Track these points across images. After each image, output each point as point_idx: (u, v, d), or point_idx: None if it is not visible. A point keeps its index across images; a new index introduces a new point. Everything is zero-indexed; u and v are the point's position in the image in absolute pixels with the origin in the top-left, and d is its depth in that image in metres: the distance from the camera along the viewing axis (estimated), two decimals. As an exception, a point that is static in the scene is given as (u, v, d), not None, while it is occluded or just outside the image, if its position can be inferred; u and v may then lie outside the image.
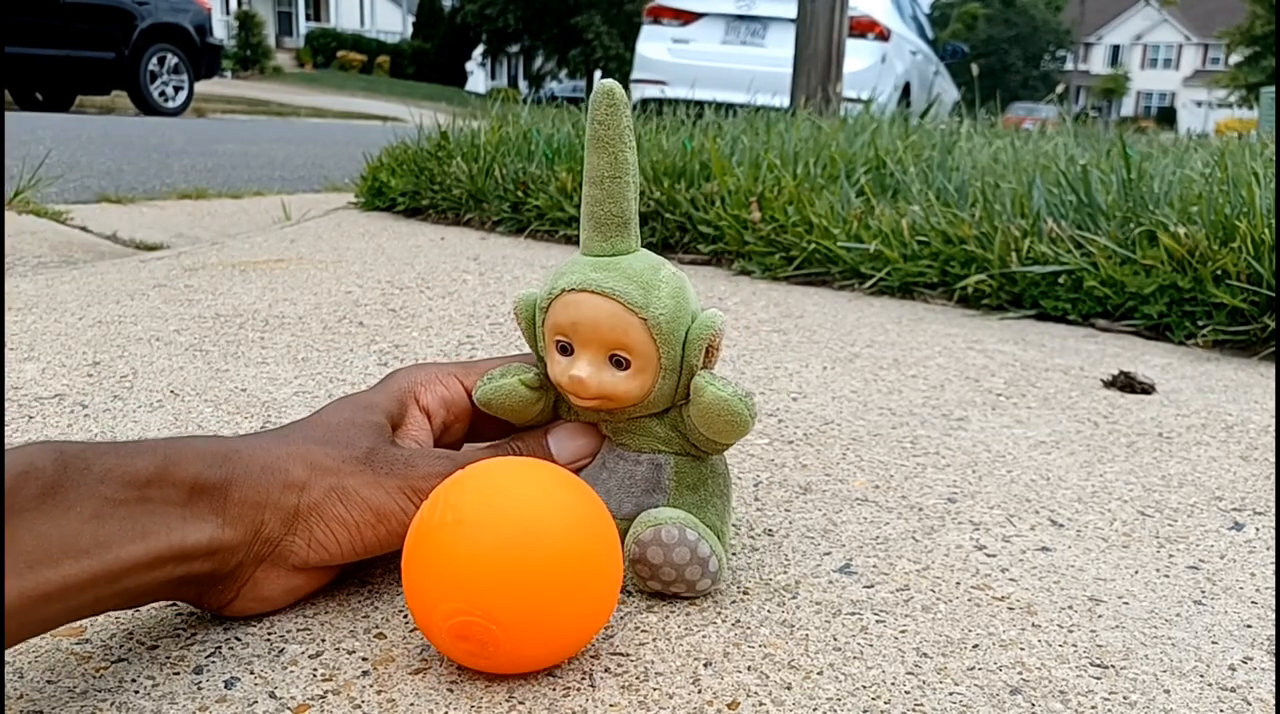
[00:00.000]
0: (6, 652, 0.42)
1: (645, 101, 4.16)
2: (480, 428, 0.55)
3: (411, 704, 0.41)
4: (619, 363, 0.47)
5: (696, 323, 0.48)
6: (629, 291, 0.46)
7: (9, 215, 1.80)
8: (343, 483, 0.45)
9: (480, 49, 27.50)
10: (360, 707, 0.41)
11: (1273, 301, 1.15)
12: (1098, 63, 43.43)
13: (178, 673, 0.43)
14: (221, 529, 0.42)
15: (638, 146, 1.91)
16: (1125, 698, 0.43)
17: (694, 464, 0.51)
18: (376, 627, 0.47)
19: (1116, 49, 43.21)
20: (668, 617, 0.49)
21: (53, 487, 0.38)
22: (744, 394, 0.47)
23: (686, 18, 5.88)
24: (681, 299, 0.48)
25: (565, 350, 0.48)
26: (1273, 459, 0.78)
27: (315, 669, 0.43)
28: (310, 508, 0.45)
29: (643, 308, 0.46)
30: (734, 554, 0.56)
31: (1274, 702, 0.44)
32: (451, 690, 0.42)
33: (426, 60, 25.86)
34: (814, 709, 0.42)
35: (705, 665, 0.45)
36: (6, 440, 0.69)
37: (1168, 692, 0.44)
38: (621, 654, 0.45)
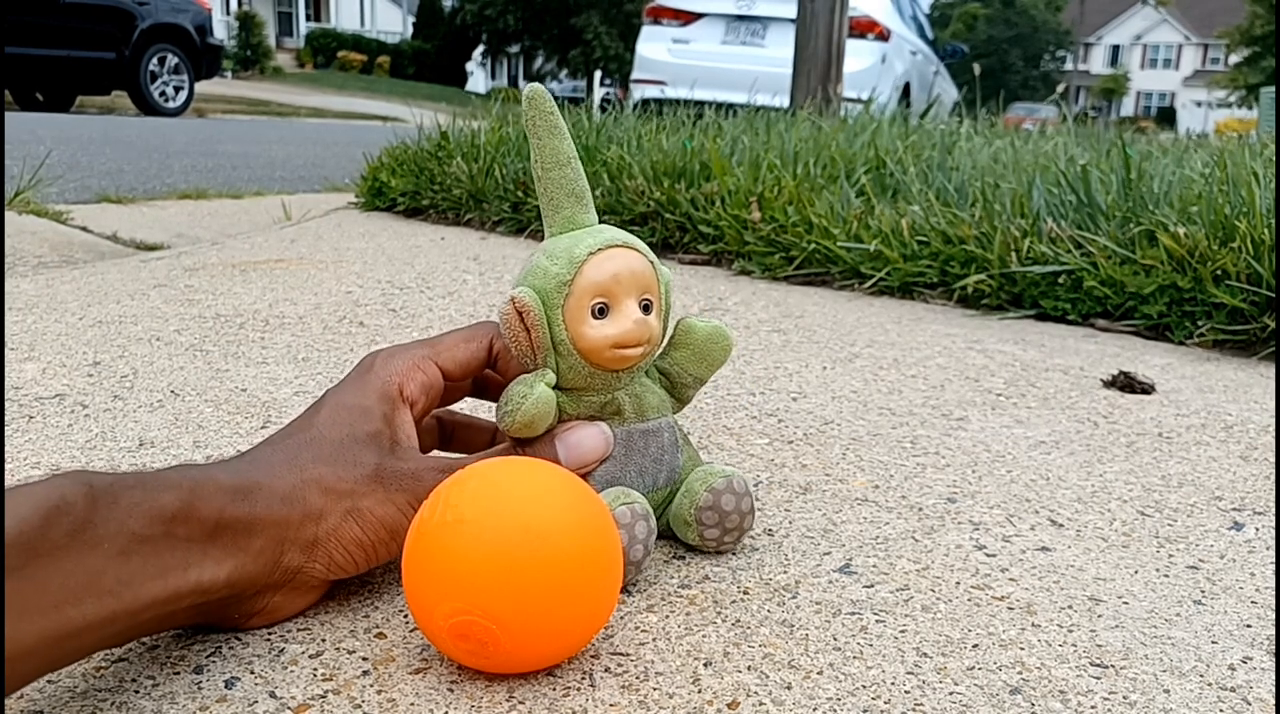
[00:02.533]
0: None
1: (645, 102, 4.16)
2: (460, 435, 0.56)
3: (411, 704, 0.41)
4: (645, 308, 0.50)
5: (662, 271, 0.52)
6: (637, 243, 0.51)
7: (9, 215, 1.80)
8: (357, 505, 0.45)
9: (480, 49, 27.50)
10: (360, 707, 0.41)
11: (1273, 301, 1.15)
12: (1098, 63, 43.42)
13: (178, 673, 0.43)
14: (243, 565, 0.42)
15: (638, 146, 1.92)
16: (1125, 698, 0.43)
17: (677, 420, 0.55)
18: (376, 627, 0.47)
19: (1116, 49, 43.21)
20: (668, 617, 0.49)
21: (83, 523, 0.37)
22: (720, 324, 0.54)
23: (686, 18, 5.88)
24: None
25: (602, 312, 0.49)
26: (1273, 459, 0.78)
27: (315, 669, 0.43)
28: (329, 534, 0.45)
29: (647, 254, 0.51)
30: (734, 554, 0.56)
31: (1274, 702, 0.44)
32: (451, 690, 0.42)
33: (427, 60, 25.86)
34: (814, 709, 0.42)
35: (705, 665, 0.45)
36: (7, 440, 0.69)
37: (1168, 691, 0.44)
38: (621, 654, 0.45)
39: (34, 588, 0.35)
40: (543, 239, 0.52)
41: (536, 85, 0.51)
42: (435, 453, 0.58)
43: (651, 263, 0.50)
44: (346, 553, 0.45)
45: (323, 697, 0.41)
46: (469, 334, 0.53)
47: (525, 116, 0.51)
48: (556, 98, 0.58)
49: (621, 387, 0.52)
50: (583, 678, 0.43)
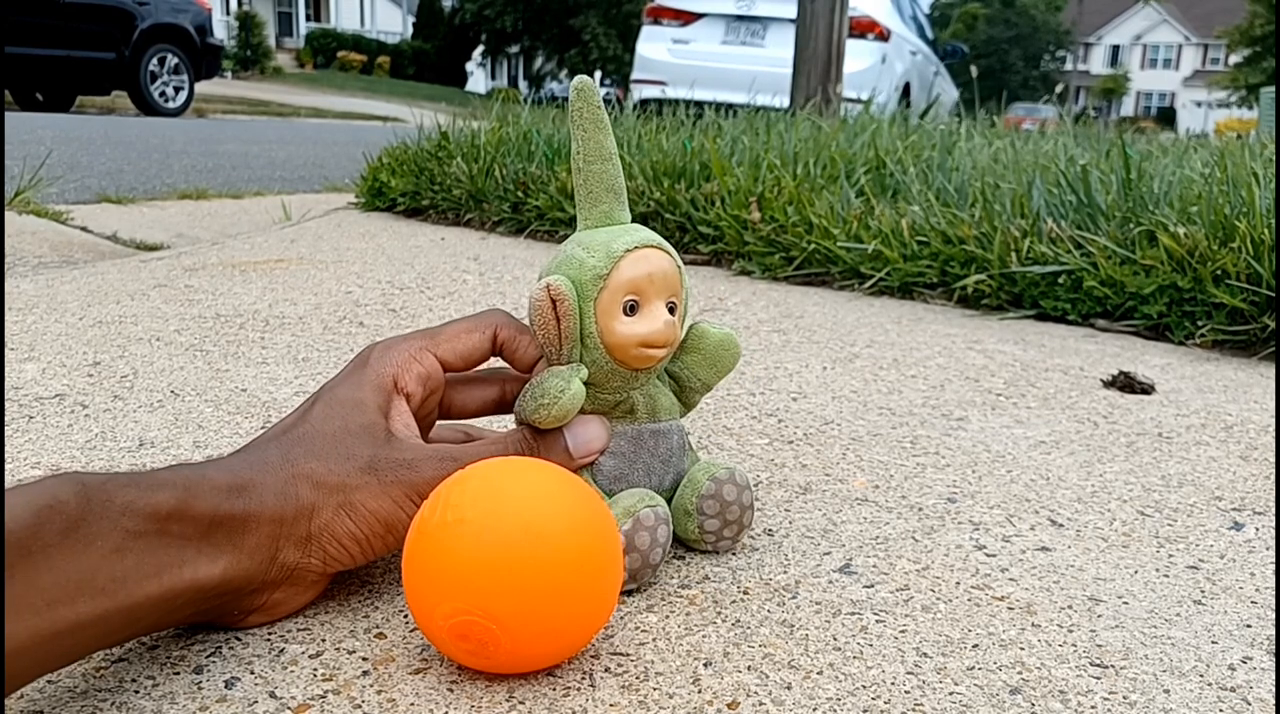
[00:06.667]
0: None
1: (645, 102, 4.16)
2: (454, 398, 0.55)
3: (411, 704, 0.41)
4: (670, 310, 0.51)
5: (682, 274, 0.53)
6: (667, 246, 0.51)
7: (9, 215, 1.81)
8: (350, 499, 0.45)
9: (480, 49, 27.50)
10: (360, 707, 0.41)
11: (1272, 301, 1.15)
12: (1098, 63, 43.43)
13: (178, 673, 0.43)
14: (238, 562, 0.42)
15: (638, 147, 1.92)
16: (1125, 698, 0.43)
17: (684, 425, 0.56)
18: (376, 627, 0.47)
19: (1116, 49, 43.21)
20: (668, 617, 0.49)
21: (76, 521, 0.37)
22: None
23: (686, 18, 5.88)
24: None
25: (632, 309, 0.49)
26: (1273, 459, 0.78)
27: (315, 669, 0.43)
28: (321, 529, 0.45)
29: (675, 258, 0.51)
30: (734, 554, 0.56)
31: (1274, 702, 0.44)
32: (451, 690, 0.42)
33: (426, 60, 25.85)
34: (814, 709, 0.42)
35: (705, 665, 0.45)
36: (7, 440, 0.69)
37: (1167, 692, 0.44)
38: (621, 654, 0.45)
39: (27, 587, 0.35)
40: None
41: (584, 78, 0.51)
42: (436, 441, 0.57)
43: (678, 267, 0.51)
44: (341, 546, 0.45)
45: (323, 697, 0.41)
46: (471, 324, 0.52)
47: (571, 108, 0.50)
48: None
49: (639, 386, 0.52)
50: (583, 678, 0.43)
